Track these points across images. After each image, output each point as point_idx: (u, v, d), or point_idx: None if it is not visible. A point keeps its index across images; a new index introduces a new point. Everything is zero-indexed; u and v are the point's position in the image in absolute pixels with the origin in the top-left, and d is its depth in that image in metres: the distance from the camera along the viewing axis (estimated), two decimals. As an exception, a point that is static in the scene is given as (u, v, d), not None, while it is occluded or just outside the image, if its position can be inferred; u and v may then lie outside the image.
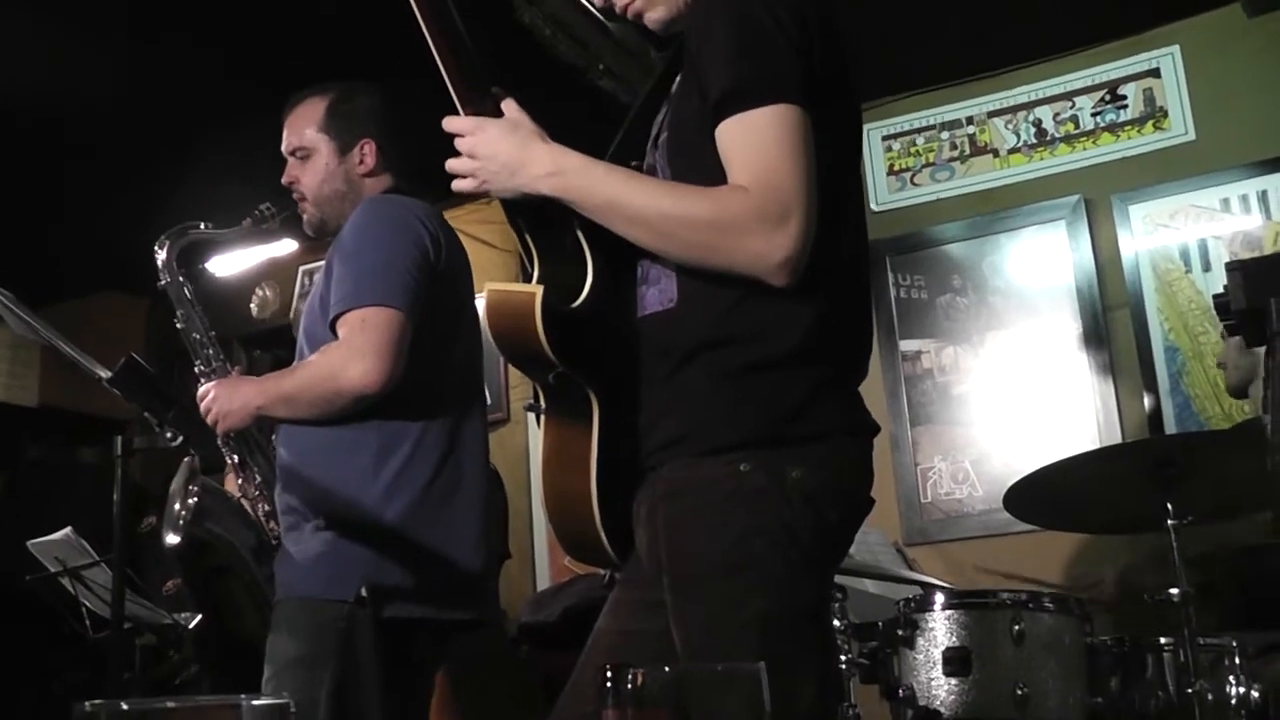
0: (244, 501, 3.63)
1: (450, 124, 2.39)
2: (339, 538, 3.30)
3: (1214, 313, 4.69)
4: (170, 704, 1.42)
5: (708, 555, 2.24)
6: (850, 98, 2.44)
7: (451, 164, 2.40)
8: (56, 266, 7.36)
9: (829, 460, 2.27)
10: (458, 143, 2.39)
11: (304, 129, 3.68)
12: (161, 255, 3.75)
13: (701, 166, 2.27)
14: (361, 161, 3.65)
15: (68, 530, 5.63)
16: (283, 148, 3.71)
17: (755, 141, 2.21)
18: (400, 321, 3.29)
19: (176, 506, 3.47)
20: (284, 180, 3.71)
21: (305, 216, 3.72)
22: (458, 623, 3.41)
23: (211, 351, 3.74)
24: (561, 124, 2.44)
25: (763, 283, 2.21)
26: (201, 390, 3.51)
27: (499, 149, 2.35)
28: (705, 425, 2.27)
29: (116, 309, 7.76)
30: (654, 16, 2.51)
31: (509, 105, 2.40)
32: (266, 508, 3.58)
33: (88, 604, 5.64)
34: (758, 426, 2.24)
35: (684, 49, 2.39)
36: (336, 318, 3.33)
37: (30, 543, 5.68)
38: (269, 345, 7.97)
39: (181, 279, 3.78)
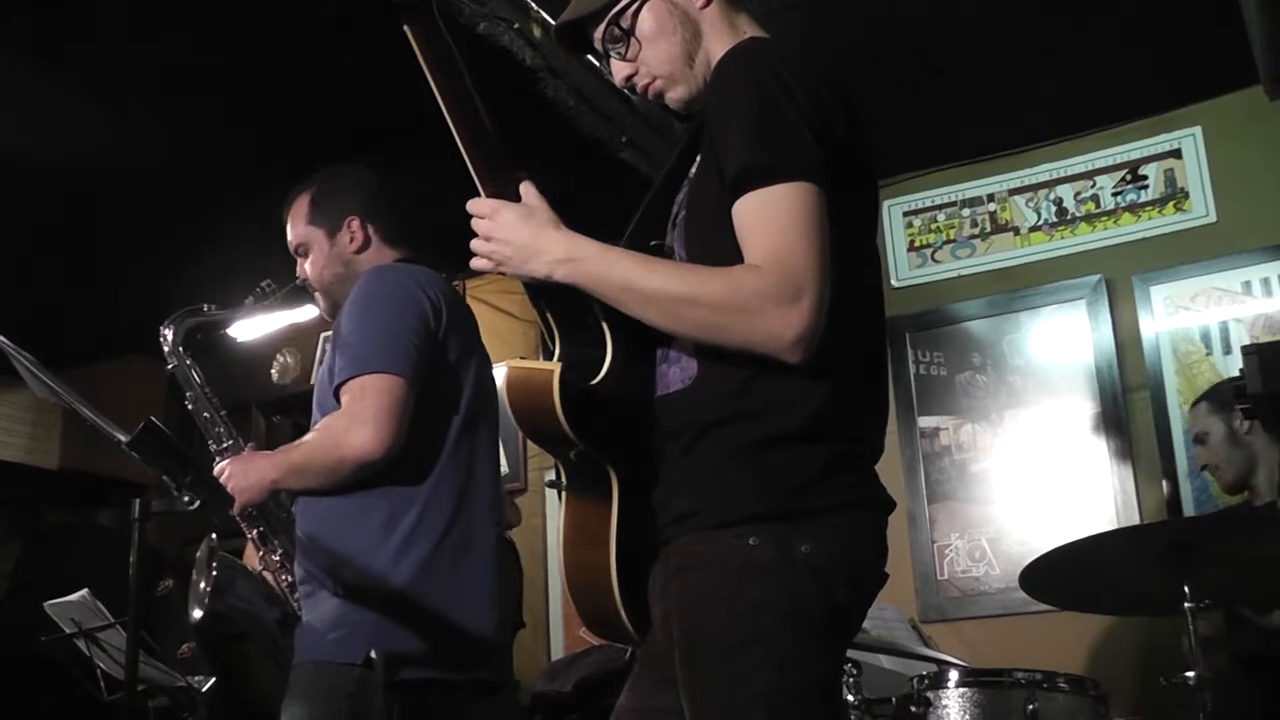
0: (266, 574, 3.65)
1: (472, 206, 2.42)
2: (351, 602, 3.31)
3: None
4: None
5: (716, 629, 2.23)
6: (867, 174, 2.46)
7: (473, 244, 2.43)
8: (79, 330, 7.41)
9: (840, 535, 2.27)
10: (476, 224, 2.42)
11: (298, 226, 3.78)
12: (168, 337, 3.82)
13: (718, 246, 2.29)
14: (351, 240, 3.73)
15: (84, 592, 5.64)
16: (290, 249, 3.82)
17: (769, 220, 2.22)
18: (401, 387, 3.32)
19: (203, 584, 3.48)
20: (297, 279, 3.83)
21: (321, 305, 3.82)
22: (473, 683, 3.40)
23: (223, 430, 3.79)
24: (583, 196, 2.47)
25: (777, 360, 2.22)
26: (217, 469, 3.54)
27: (514, 235, 2.37)
28: (716, 499, 2.28)
29: (138, 372, 7.78)
30: (674, 96, 2.56)
31: (527, 190, 2.42)
32: (289, 579, 3.59)
33: (102, 665, 5.64)
34: (767, 501, 2.25)
35: (703, 126, 2.42)
36: (339, 386, 3.37)
37: (47, 604, 5.68)
38: (289, 411, 8.00)
39: (189, 362, 3.85)
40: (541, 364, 2.34)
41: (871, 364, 2.46)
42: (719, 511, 2.27)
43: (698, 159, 2.49)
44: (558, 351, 2.41)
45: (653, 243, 2.49)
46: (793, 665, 2.22)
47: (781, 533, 2.23)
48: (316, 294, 3.79)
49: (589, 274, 2.33)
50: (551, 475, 2.55)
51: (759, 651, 2.20)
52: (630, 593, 2.40)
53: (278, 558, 3.63)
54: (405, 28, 2.31)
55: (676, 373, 2.39)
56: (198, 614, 3.49)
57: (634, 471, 2.38)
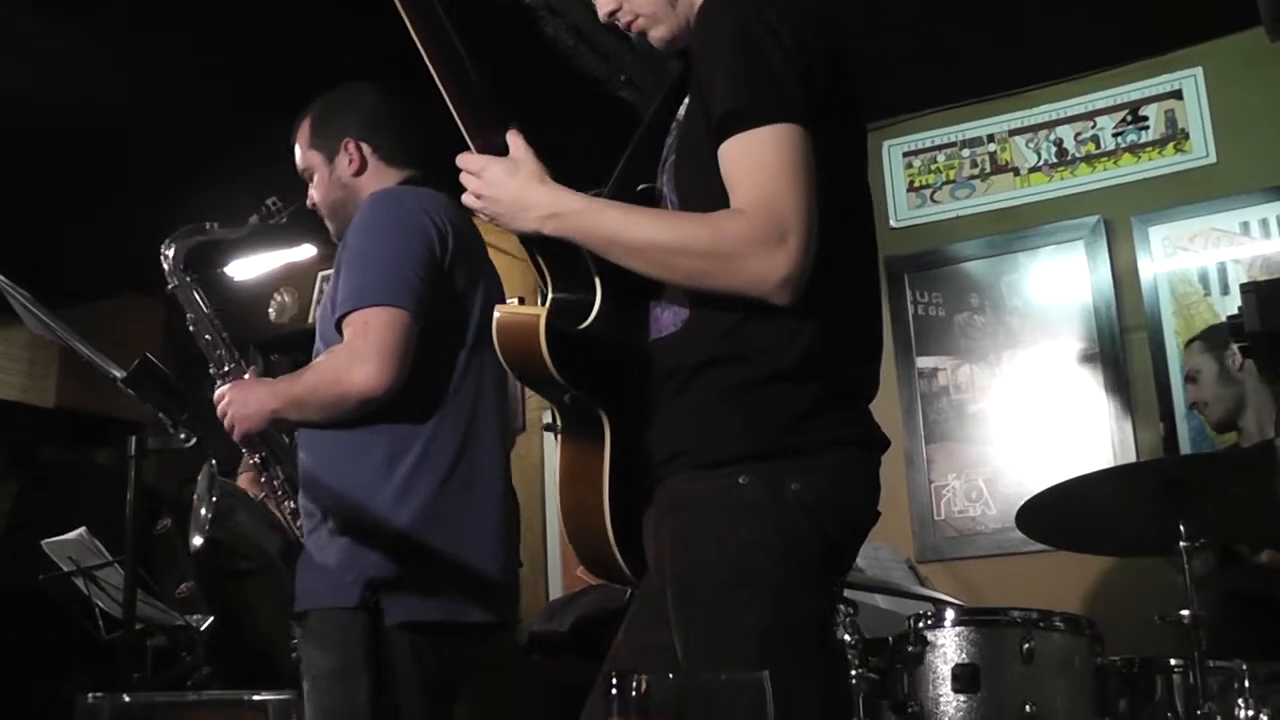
0: (268, 502, 3.59)
1: (461, 160, 2.45)
2: (356, 544, 3.28)
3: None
4: (171, 698, 1.43)
5: (708, 567, 2.25)
6: (854, 114, 2.46)
7: (463, 199, 2.47)
8: (76, 269, 7.39)
9: (830, 473, 2.29)
10: (465, 179, 2.45)
11: (302, 151, 3.74)
12: (169, 256, 3.72)
13: (707, 189, 2.30)
14: (350, 162, 3.66)
15: (81, 530, 5.64)
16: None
17: (754, 162, 2.23)
18: (404, 321, 3.27)
19: (204, 511, 3.44)
20: (308, 204, 3.76)
21: (330, 228, 3.76)
22: (481, 625, 3.37)
23: (224, 353, 3.68)
24: (581, 136, 2.46)
25: (767, 302, 2.23)
26: (217, 394, 3.50)
27: (500, 191, 2.40)
28: (706, 439, 2.30)
29: (135, 312, 7.77)
30: (656, 35, 2.57)
31: (514, 141, 2.44)
32: (291, 505, 3.54)
33: (100, 604, 5.65)
34: (758, 440, 2.27)
35: (691, 68, 2.42)
36: (341, 319, 3.31)
37: (45, 542, 5.69)
38: (287, 350, 7.98)
39: (190, 280, 3.74)
40: (530, 309, 2.35)
41: (863, 304, 2.48)
42: (710, 451, 2.29)
43: (686, 100, 2.49)
44: (549, 296, 2.42)
45: (640, 186, 2.49)
46: (784, 602, 2.24)
47: (771, 471, 2.25)
48: (325, 217, 3.74)
49: (575, 228, 2.36)
50: (549, 418, 2.56)
51: (750, 590, 2.22)
52: (624, 534, 2.43)
53: (278, 484, 3.57)
54: None
55: (669, 317, 2.41)
56: (198, 541, 3.44)
57: (626, 415, 2.40)
